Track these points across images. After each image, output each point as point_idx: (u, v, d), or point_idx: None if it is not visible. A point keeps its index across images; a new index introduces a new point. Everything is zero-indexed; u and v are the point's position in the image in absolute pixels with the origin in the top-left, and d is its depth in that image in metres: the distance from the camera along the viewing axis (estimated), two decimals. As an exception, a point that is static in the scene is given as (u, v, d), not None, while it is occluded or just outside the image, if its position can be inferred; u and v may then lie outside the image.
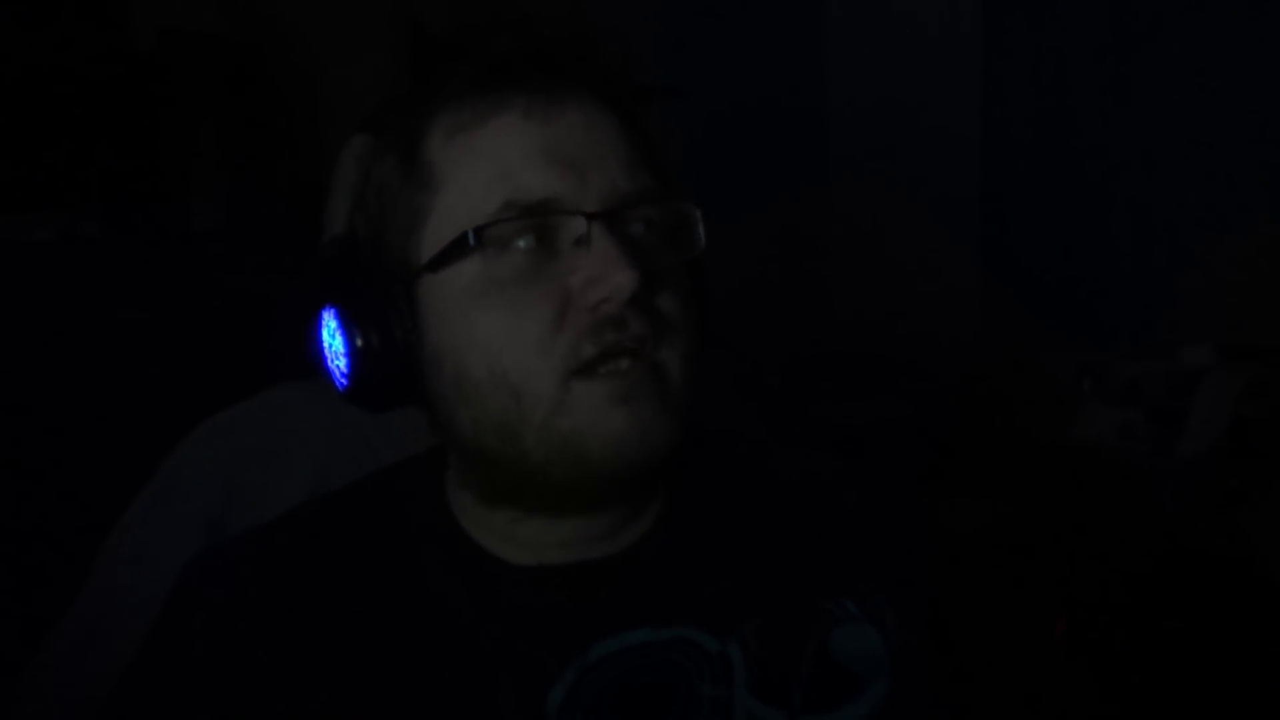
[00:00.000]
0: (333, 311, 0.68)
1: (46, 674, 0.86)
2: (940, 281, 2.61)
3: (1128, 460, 1.86)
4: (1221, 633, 1.48)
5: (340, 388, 0.69)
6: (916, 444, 2.06)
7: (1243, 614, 1.50)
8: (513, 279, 0.64)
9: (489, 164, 0.65)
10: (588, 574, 0.68)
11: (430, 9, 2.06)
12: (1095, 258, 2.40)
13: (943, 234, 2.64)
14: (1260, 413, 1.76)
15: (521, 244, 0.64)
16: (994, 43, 2.60)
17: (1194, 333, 2.02)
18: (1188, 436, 1.80)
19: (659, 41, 2.44)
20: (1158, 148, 2.27)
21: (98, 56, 1.74)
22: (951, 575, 0.77)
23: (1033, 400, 2.13)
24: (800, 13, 2.79)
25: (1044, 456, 1.94)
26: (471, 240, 0.64)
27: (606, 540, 0.69)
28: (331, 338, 0.69)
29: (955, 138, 2.64)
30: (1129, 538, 1.66)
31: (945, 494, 1.68)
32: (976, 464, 1.97)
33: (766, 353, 2.24)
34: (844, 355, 2.57)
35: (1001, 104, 2.60)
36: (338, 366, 0.68)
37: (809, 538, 0.73)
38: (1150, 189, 2.29)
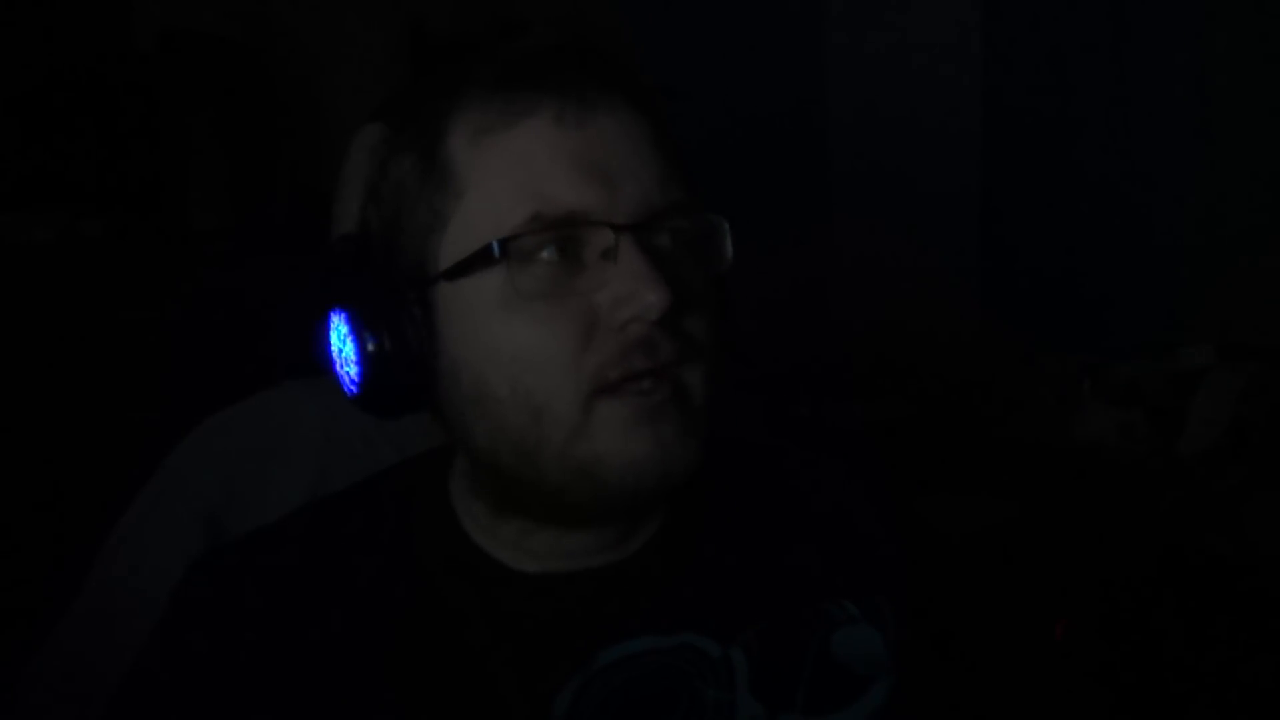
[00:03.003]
0: (343, 315, 0.66)
1: (46, 674, 0.86)
2: (940, 282, 2.61)
3: (1128, 460, 1.86)
4: (1221, 633, 1.48)
5: (349, 394, 0.67)
6: (916, 444, 2.05)
7: (1243, 614, 1.50)
8: (538, 293, 0.61)
9: (517, 172, 0.63)
10: (593, 582, 0.68)
11: (430, 9, 2.06)
12: (1095, 258, 2.40)
13: (943, 234, 2.64)
14: (1260, 413, 1.76)
15: (546, 256, 0.62)
16: (994, 43, 2.60)
17: (1194, 333, 2.02)
18: (1188, 436, 1.80)
19: (659, 42, 2.44)
20: (1157, 149, 2.27)
21: (98, 56, 1.73)
22: (950, 575, 0.77)
23: (1033, 400, 2.13)
24: (800, 13, 2.79)
25: (1044, 456, 1.94)
26: (496, 252, 0.61)
27: (612, 549, 0.69)
28: (342, 342, 0.66)
29: (955, 137, 2.64)
30: (1129, 538, 1.66)
31: (945, 494, 1.68)
32: (977, 464, 1.97)
33: (767, 355, 2.23)
34: (844, 355, 2.57)
35: (1001, 104, 2.59)
36: (347, 372, 0.66)
37: (809, 539, 0.73)
38: (1150, 189, 2.29)
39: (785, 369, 2.38)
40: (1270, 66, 2.09)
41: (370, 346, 0.64)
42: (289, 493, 0.84)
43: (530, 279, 0.61)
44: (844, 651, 0.68)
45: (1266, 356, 1.86)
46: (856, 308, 2.71)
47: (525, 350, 0.62)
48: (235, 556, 0.71)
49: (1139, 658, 1.49)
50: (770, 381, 2.25)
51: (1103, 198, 2.39)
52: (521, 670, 0.64)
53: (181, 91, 1.80)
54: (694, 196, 0.66)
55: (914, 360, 2.49)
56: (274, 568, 0.69)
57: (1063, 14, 2.44)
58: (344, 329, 0.66)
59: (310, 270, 0.70)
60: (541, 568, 0.68)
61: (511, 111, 0.63)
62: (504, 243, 0.61)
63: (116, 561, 0.88)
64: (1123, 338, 2.25)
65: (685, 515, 0.72)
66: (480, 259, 0.62)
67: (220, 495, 0.87)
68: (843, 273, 2.76)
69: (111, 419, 1.42)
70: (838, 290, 2.77)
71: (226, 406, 0.94)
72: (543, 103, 0.63)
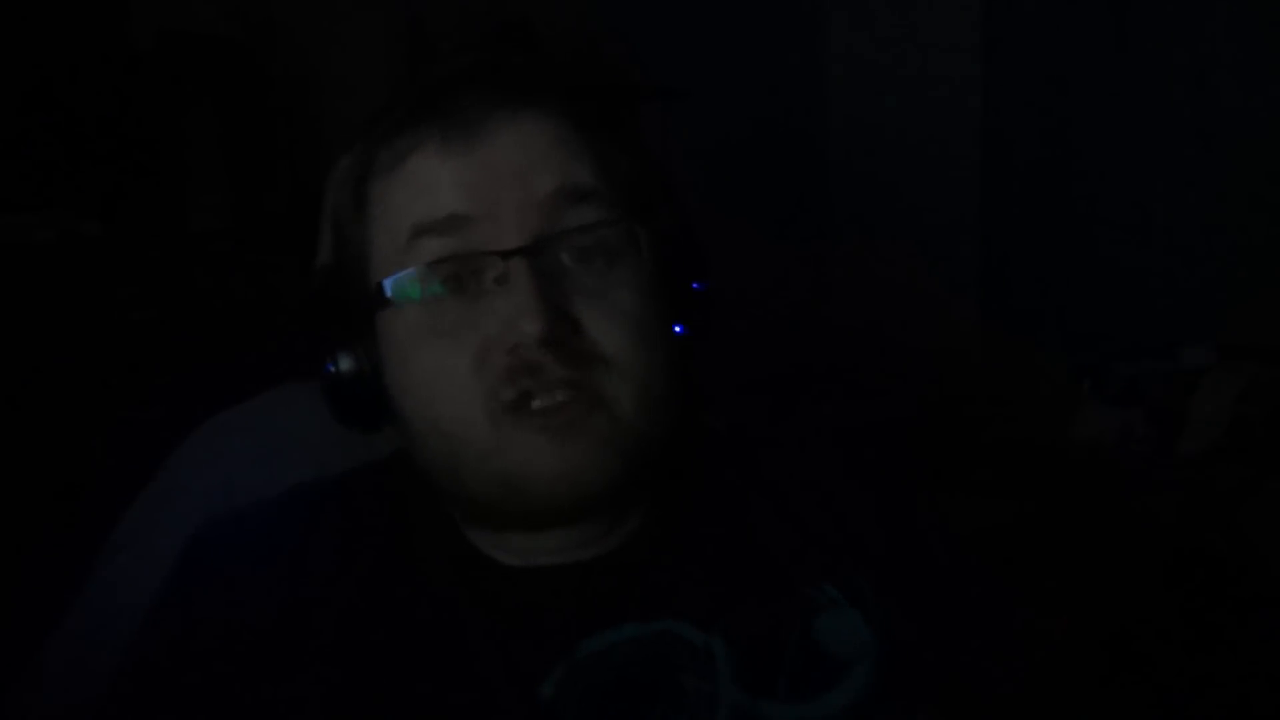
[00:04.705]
0: (315, 340, 0.70)
1: (47, 675, 0.86)
2: (940, 282, 2.61)
3: (1128, 460, 1.85)
4: (1222, 633, 1.48)
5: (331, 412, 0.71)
6: (916, 444, 2.05)
7: (1243, 614, 1.50)
8: (438, 324, 0.64)
9: (404, 202, 0.66)
10: (576, 574, 0.69)
11: (430, 9, 2.06)
12: (1095, 257, 2.40)
13: (943, 235, 2.65)
14: (1260, 413, 1.76)
15: (443, 288, 0.64)
16: (994, 45, 2.60)
17: (1194, 333, 2.02)
18: (1188, 436, 1.80)
19: (659, 42, 2.44)
20: (1157, 149, 2.27)
21: (97, 57, 1.73)
22: (935, 555, 0.77)
23: (1033, 400, 2.13)
24: (801, 16, 2.79)
25: (1044, 456, 1.94)
26: (388, 292, 0.65)
27: (593, 543, 0.70)
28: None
29: (955, 139, 2.64)
30: (1129, 538, 1.66)
31: (945, 494, 1.67)
32: (976, 464, 1.97)
33: (764, 355, 2.24)
34: (844, 356, 2.57)
35: (1001, 103, 2.60)
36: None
37: (788, 524, 0.73)
38: (1150, 189, 2.29)
39: (785, 369, 2.39)
40: (1270, 67, 2.09)
41: (331, 370, 0.69)
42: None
43: (431, 311, 0.64)
44: (826, 636, 0.68)
45: (1266, 356, 1.86)
46: (856, 308, 2.71)
47: (429, 379, 0.65)
48: (227, 542, 0.72)
49: (1139, 658, 1.49)
50: (770, 382, 2.25)
51: (1102, 197, 2.39)
52: (508, 659, 0.65)
53: (180, 91, 1.80)
54: (614, 201, 0.67)
55: (913, 361, 2.49)
56: (266, 555, 0.70)
57: (1063, 15, 2.45)
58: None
59: (302, 281, 0.72)
60: (523, 562, 0.69)
61: (406, 146, 0.66)
62: (394, 282, 0.64)
63: (116, 564, 0.88)
64: (1123, 338, 2.25)
65: (667, 506, 0.73)
66: (380, 296, 0.65)
67: (221, 497, 0.87)
68: (843, 273, 2.76)
69: (111, 419, 1.42)
70: (838, 290, 2.77)
71: (227, 407, 0.94)
72: (431, 133, 0.65)
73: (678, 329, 0.71)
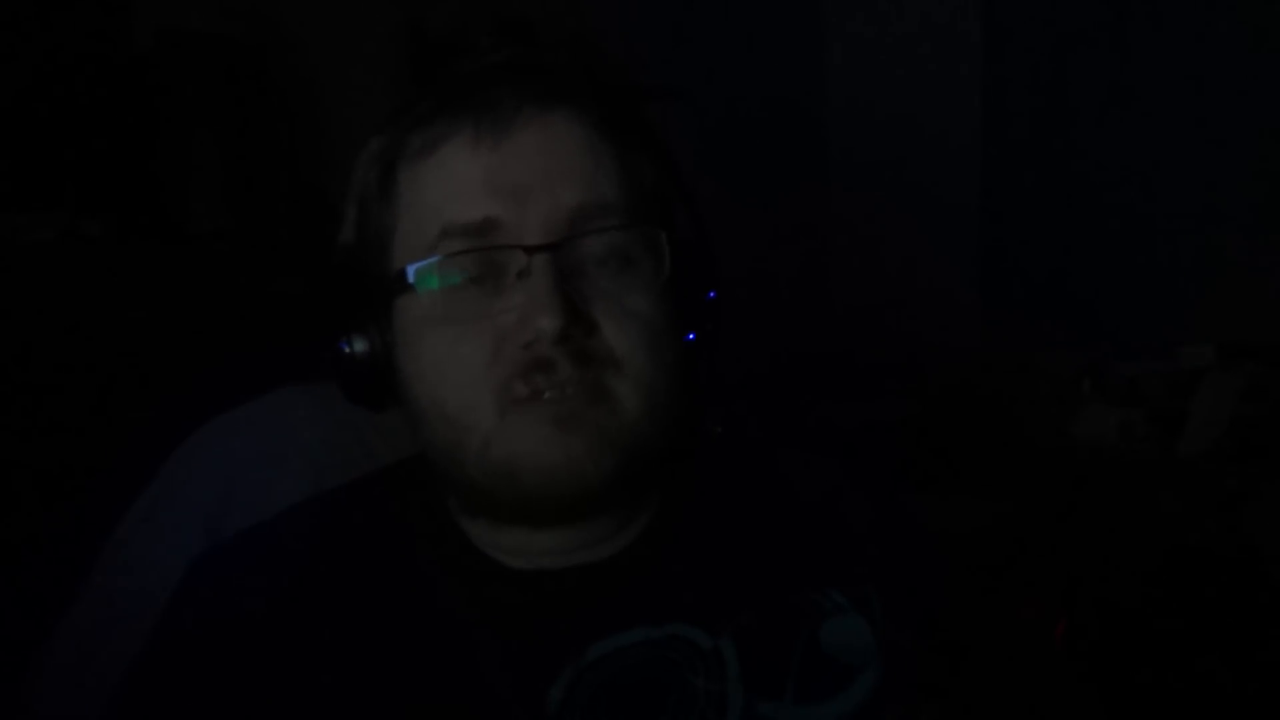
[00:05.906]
0: (330, 317, 0.70)
1: (47, 677, 0.86)
2: (940, 282, 2.61)
3: (1128, 460, 1.86)
4: (1222, 632, 1.48)
5: (340, 387, 0.72)
6: (916, 444, 2.05)
7: (1243, 614, 1.50)
8: (455, 313, 0.65)
9: (433, 194, 0.67)
10: (582, 577, 0.69)
11: (430, 10, 2.06)
12: (1095, 258, 2.41)
13: (942, 234, 2.65)
14: (1260, 413, 1.76)
15: (464, 278, 0.65)
16: (994, 41, 2.60)
17: (1194, 333, 2.02)
18: (1188, 436, 1.80)
19: (659, 41, 2.44)
20: (1158, 149, 2.27)
21: (98, 56, 1.73)
22: (940, 568, 0.78)
23: (1033, 400, 2.13)
24: (800, 12, 2.79)
25: (1044, 456, 1.94)
26: (410, 278, 0.65)
27: (599, 546, 0.70)
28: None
29: (955, 137, 2.64)
30: (1129, 537, 1.67)
31: (946, 494, 1.68)
32: (976, 464, 1.97)
33: (763, 354, 2.24)
34: (843, 355, 2.57)
35: (1002, 103, 2.60)
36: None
37: (798, 531, 0.74)
38: (1150, 189, 2.30)
39: (785, 369, 2.39)
40: (1270, 67, 2.09)
41: (345, 349, 0.69)
42: (288, 497, 0.84)
43: (450, 299, 0.65)
44: (833, 642, 0.69)
45: (1266, 356, 1.86)
46: (856, 307, 2.71)
47: (439, 365, 0.65)
48: (234, 552, 0.73)
49: (1139, 658, 1.49)
50: (770, 381, 2.25)
51: (1103, 196, 2.39)
52: (516, 664, 0.65)
53: (181, 91, 1.80)
54: (634, 204, 0.67)
55: (914, 360, 2.49)
56: (272, 564, 0.70)
57: (1063, 11, 2.45)
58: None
59: (311, 272, 0.73)
60: (533, 565, 0.69)
61: (435, 136, 0.67)
62: (418, 269, 0.65)
63: (115, 567, 0.88)
64: (1123, 338, 2.25)
65: (675, 509, 0.73)
66: (401, 281, 0.66)
67: (219, 501, 0.87)
68: (842, 272, 2.76)
69: (112, 419, 1.42)
70: (838, 290, 2.77)
71: (227, 409, 0.94)
72: (462, 126, 0.66)
73: (690, 336, 0.72)
